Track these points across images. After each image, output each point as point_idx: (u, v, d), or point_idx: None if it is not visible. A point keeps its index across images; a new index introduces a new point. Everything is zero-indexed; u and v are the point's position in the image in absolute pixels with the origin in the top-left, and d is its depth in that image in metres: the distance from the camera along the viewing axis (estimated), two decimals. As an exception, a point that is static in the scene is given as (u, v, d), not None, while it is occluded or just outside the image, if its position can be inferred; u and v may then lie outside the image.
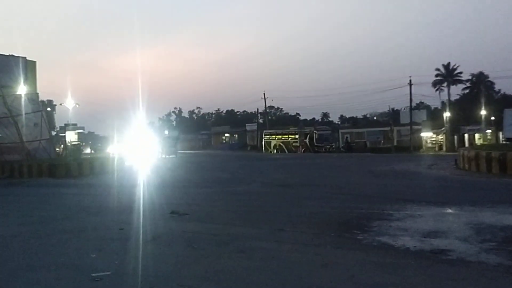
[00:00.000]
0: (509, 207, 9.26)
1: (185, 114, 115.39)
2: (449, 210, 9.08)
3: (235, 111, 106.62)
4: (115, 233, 7.30)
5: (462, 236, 6.64)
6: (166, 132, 68.74)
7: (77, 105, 46.85)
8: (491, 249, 5.81)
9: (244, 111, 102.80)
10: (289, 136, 54.20)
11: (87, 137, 64.89)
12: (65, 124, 48.52)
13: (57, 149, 37.25)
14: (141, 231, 7.40)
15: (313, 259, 5.48)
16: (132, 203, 10.93)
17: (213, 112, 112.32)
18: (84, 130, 66.96)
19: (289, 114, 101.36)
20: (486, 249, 5.84)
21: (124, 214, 9.24)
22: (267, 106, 74.81)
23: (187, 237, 6.93)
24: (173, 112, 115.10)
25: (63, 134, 45.46)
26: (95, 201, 11.94)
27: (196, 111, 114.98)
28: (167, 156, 42.38)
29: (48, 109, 41.33)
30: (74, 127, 52.73)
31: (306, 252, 5.78)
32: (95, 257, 5.79)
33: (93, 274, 4.99)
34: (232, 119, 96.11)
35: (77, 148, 37.28)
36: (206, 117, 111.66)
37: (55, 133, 44.65)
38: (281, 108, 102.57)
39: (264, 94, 69.99)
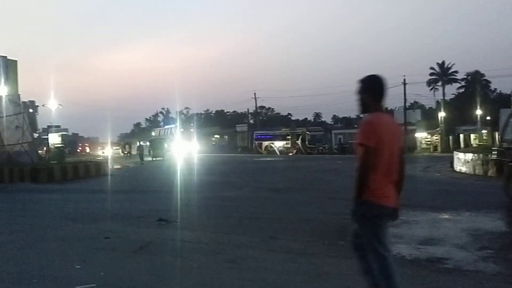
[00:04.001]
0: (506, 212, 9.34)
1: (173, 114, 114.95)
2: (445, 216, 9.13)
3: (225, 111, 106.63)
4: (101, 242, 7.23)
5: (459, 243, 6.68)
6: (153, 133, 68.53)
7: (60, 106, 46.57)
8: (489, 257, 5.84)
9: (234, 111, 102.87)
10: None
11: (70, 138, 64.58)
12: (48, 126, 48.17)
13: (39, 152, 36.91)
14: (127, 240, 7.34)
15: (307, 269, 5.47)
16: (118, 210, 10.87)
17: (202, 112, 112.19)
18: (68, 132, 66.55)
19: (281, 114, 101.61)
20: (484, 257, 5.87)
21: (110, 221, 9.17)
22: (258, 106, 74.92)
23: (175, 246, 6.89)
24: (161, 112, 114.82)
25: (46, 137, 45.08)
26: (79, 208, 11.84)
27: (184, 111, 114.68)
28: (154, 159, 42.20)
29: (30, 110, 40.91)
30: (58, 129, 52.39)
31: (300, 261, 5.77)
32: (80, 268, 5.73)
33: (77, 287, 4.93)
34: (222, 120, 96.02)
35: (60, 151, 37.00)
36: (195, 117, 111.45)
37: (37, 135, 44.24)
38: (273, 108, 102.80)
39: (254, 94, 70.08)
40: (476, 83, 68.10)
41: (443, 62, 70.80)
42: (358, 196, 3.45)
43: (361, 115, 3.70)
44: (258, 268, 5.58)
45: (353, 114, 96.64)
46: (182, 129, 54.17)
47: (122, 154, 58.04)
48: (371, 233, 3.52)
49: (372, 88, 3.59)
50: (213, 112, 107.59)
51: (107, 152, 39.23)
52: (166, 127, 63.40)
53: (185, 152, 43.82)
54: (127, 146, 60.50)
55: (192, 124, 61.10)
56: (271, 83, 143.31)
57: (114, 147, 62.00)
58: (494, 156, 12.68)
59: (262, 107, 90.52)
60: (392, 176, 3.54)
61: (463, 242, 6.77)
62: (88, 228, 8.60)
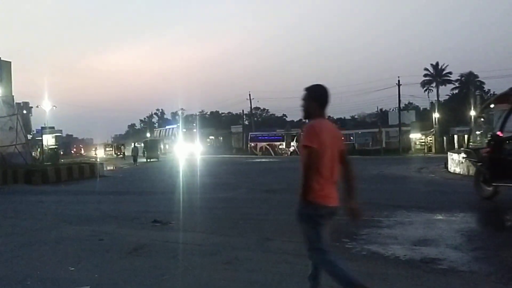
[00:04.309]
0: (500, 213, 9.38)
1: (168, 115, 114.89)
2: (440, 217, 9.15)
3: (220, 112, 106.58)
4: (95, 244, 7.21)
5: (453, 244, 6.70)
6: (148, 134, 68.33)
7: (54, 107, 46.36)
8: (483, 258, 5.86)
9: (229, 112, 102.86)
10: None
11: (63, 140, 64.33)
12: (41, 127, 47.96)
13: (33, 153, 36.78)
14: (122, 242, 7.32)
15: (302, 271, 5.44)
16: (112, 212, 10.84)
17: (197, 113, 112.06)
18: (62, 133, 66.34)
19: (276, 115, 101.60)
20: (478, 257, 5.89)
21: (104, 223, 9.15)
22: (253, 107, 74.99)
23: (170, 247, 6.88)
24: (155, 113, 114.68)
25: (40, 138, 44.91)
26: (73, 210, 11.80)
27: (179, 112, 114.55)
28: (149, 160, 42.14)
29: (24, 111, 40.87)
30: (52, 130, 52.17)
31: (295, 263, 5.76)
32: (74, 270, 5.71)
33: (71, 290, 4.91)
34: (217, 121, 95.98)
35: (54, 153, 36.89)
36: (190, 118, 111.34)
37: (31, 137, 44.10)
38: (267, 109, 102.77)
39: (249, 94, 70.13)
40: (470, 84, 68.47)
41: (437, 63, 71.19)
42: (303, 197, 3.64)
43: (305, 121, 3.94)
44: (254, 270, 5.57)
45: (348, 115, 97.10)
46: (184, 130, 53.67)
47: (115, 155, 57.82)
48: (315, 233, 3.70)
49: (317, 97, 3.84)
50: (208, 113, 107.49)
51: (100, 153, 39.05)
52: (167, 127, 62.95)
53: (187, 153, 43.60)
54: (122, 147, 60.31)
55: (194, 125, 60.46)
56: (266, 84, 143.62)
57: (107, 149, 61.85)
58: (463, 157, 12.91)
59: (257, 108, 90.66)
60: (334, 177, 3.77)
61: (457, 242, 6.79)
62: (82, 229, 8.57)
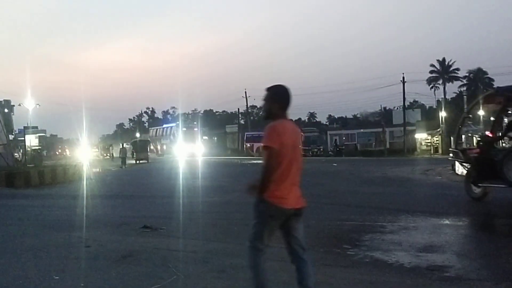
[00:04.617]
0: (509, 218, 9.42)
1: (159, 114, 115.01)
2: (446, 221, 9.19)
3: (214, 111, 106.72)
4: (81, 251, 7.20)
5: (461, 250, 6.74)
6: (138, 134, 68.10)
7: (37, 105, 46.26)
8: (492, 265, 5.89)
9: (223, 111, 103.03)
10: None
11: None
12: (24, 127, 47.77)
13: (15, 155, 36.66)
14: (109, 249, 7.31)
15: (300, 279, 5.47)
16: (99, 217, 10.82)
17: (190, 112, 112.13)
18: (46, 133, 66.14)
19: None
20: (487, 264, 5.93)
21: (91, 229, 9.12)
22: (249, 106, 75.02)
23: (161, 255, 6.87)
24: (145, 112, 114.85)
25: (23, 138, 44.76)
26: (58, 215, 11.78)
27: (170, 111, 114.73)
28: (138, 162, 42.09)
29: (6, 110, 40.61)
30: (35, 130, 52.02)
31: (292, 271, 5.74)
32: (58, 279, 5.69)
33: (56, 300, 4.91)
34: (211, 120, 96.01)
35: (38, 154, 36.79)
36: (182, 117, 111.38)
37: (13, 137, 43.91)
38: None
39: (245, 92, 70.21)
40: (478, 81, 68.70)
41: (444, 59, 71.49)
42: (260, 194, 3.93)
43: (267, 121, 4.13)
44: (250, 278, 5.57)
45: (349, 114, 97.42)
46: (185, 128, 52.36)
47: (101, 157, 57.50)
48: (259, 228, 4.04)
49: (279, 98, 4.08)
50: (201, 112, 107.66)
51: (85, 155, 38.79)
52: (164, 126, 61.63)
53: (187, 154, 43.28)
54: (110, 147, 60.07)
55: (195, 123, 59.46)
56: (263, 81, 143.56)
57: (93, 150, 61.52)
58: (450, 157, 13.59)
59: (253, 107, 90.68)
60: (293, 178, 4.01)
61: (465, 249, 6.83)
62: (67, 236, 8.55)
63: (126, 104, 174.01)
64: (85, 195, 15.58)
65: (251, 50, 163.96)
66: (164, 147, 56.37)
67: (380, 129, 56.13)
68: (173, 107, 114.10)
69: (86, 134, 44.42)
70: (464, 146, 12.08)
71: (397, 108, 71.25)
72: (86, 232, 8.77)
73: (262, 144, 3.93)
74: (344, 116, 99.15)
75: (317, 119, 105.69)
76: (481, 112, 12.22)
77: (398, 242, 7.30)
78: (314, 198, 13.44)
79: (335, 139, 60.23)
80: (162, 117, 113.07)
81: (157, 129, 64.99)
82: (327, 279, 5.48)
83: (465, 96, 56.90)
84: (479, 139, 11.91)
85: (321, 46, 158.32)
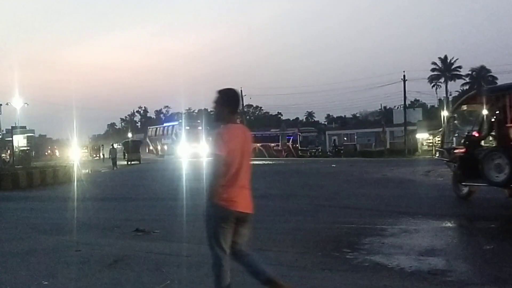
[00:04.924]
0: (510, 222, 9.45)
1: (151, 114, 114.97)
2: (449, 224, 9.22)
3: (209, 110, 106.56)
4: (71, 255, 7.19)
5: (463, 254, 6.75)
6: (130, 135, 67.80)
7: (26, 104, 46.06)
8: (496, 269, 5.90)
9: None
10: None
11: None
12: (12, 127, 47.68)
13: (3, 155, 36.60)
14: (101, 253, 7.30)
15: (298, 284, 5.48)
16: (90, 220, 10.80)
17: (184, 111, 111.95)
18: (34, 133, 65.97)
19: (270, 113, 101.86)
20: (490, 269, 5.93)
21: (81, 232, 9.12)
22: (244, 105, 74.90)
23: (154, 259, 6.87)
24: (137, 111, 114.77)
25: (10, 138, 44.67)
26: (47, 218, 11.77)
27: (163, 110, 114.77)
28: (130, 163, 42.05)
29: (-8, 109, 40.57)
30: (23, 130, 51.88)
31: (290, 275, 5.77)
32: (48, 284, 5.70)
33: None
34: (205, 120, 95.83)
35: (26, 155, 36.70)
36: (176, 117, 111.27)
37: (0, 137, 43.85)
38: (261, 107, 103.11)
39: (241, 91, 69.89)
40: (481, 80, 68.93)
41: (446, 57, 71.70)
42: (209, 199, 4.12)
43: (216, 124, 4.38)
44: (245, 283, 5.57)
45: (349, 114, 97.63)
46: (188, 127, 50.49)
47: (91, 157, 57.27)
48: (213, 233, 4.18)
49: (229, 101, 4.31)
50: (196, 111, 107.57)
51: (75, 155, 38.64)
52: (165, 125, 59.25)
53: (191, 154, 42.63)
54: (101, 148, 59.86)
55: (199, 121, 57.64)
56: (259, 79, 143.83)
57: (83, 150, 61.24)
58: (437, 157, 14.35)
59: (249, 106, 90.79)
60: (243, 182, 4.23)
61: (468, 252, 6.85)
62: (57, 239, 8.56)
63: (117, 104, 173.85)
64: (75, 198, 15.56)
65: (248, 49, 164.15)
66: (165, 147, 54.55)
67: (380, 129, 56.09)
68: (167, 106, 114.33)
69: (76, 134, 44.27)
70: (451, 145, 12.54)
71: (398, 107, 71.29)
72: (77, 236, 8.77)
73: (210, 151, 4.23)
74: (343, 115, 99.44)
75: (316, 119, 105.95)
76: (466, 113, 12.80)
77: (398, 246, 7.32)
78: (312, 200, 13.49)
79: (334, 139, 60.29)
80: (155, 117, 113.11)
81: (156, 128, 62.79)
82: (326, 284, 5.50)
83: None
84: (465, 139, 12.37)
85: (320, 45, 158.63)
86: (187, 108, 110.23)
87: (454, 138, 12.87)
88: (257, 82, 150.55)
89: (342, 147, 55.66)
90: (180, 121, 54.50)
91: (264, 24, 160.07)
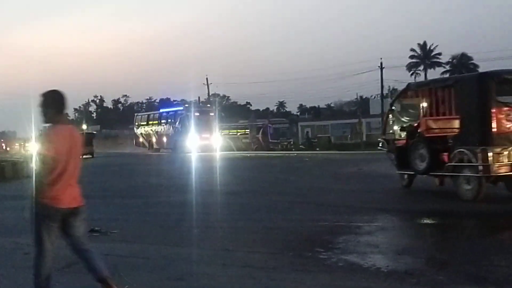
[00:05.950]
0: (498, 218, 9.68)
1: (108, 103, 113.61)
2: (428, 221, 9.39)
3: (172, 100, 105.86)
4: (19, 259, 7.10)
5: (443, 253, 6.88)
6: (84, 126, 66.79)
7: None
8: (476, 269, 6.03)
9: (182, 99, 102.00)
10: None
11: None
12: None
13: None
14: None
15: (267, 286, 5.53)
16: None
17: (144, 101, 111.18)
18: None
19: (238, 103, 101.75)
20: (471, 268, 6.06)
21: (30, 233, 8.94)
22: (210, 94, 74.81)
23: (112, 262, 6.78)
24: (93, 101, 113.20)
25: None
26: (-7, 218, 11.54)
27: (122, 100, 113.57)
28: (81, 156, 41.52)
29: None
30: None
31: (259, 277, 5.82)
32: (-7, 291, 5.61)
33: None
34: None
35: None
36: (135, 107, 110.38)
37: None
38: (228, 96, 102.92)
39: (206, 79, 70.07)
40: (462, 67, 70.15)
41: (425, 43, 72.80)
42: (35, 197, 4.55)
43: (44, 125, 4.82)
44: (211, 286, 5.60)
45: (322, 104, 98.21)
46: (198, 114, 43.67)
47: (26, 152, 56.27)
48: (38, 231, 4.63)
49: (54, 103, 4.78)
50: (157, 100, 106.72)
51: (25, 149, 38.06)
52: (163, 111, 50.47)
53: (200, 147, 39.19)
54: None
55: (210, 106, 50.27)
56: (226, 67, 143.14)
57: (28, 144, 60.06)
58: (379, 147, 15.92)
59: (215, 95, 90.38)
60: (69, 180, 4.69)
61: (448, 251, 6.98)
62: (3, 242, 8.42)
63: (70, 92, 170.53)
64: (23, 195, 15.28)
65: (212, 32, 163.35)
66: (164, 139, 46.90)
67: (356, 120, 56.56)
68: (125, 95, 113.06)
69: (26, 127, 43.48)
70: (392, 136, 13.93)
71: (375, 97, 72.40)
72: (24, 237, 8.58)
73: (37, 151, 4.69)
74: (316, 105, 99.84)
75: (287, 109, 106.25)
76: (406, 105, 14.12)
77: (375, 244, 7.42)
78: (284, 196, 13.56)
79: (307, 131, 60.68)
80: (112, 107, 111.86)
81: (148, 115, 53.87)
82: (297, 285, 5.55)
83: None
84: (406, 130, 13.56)
85: (292, 30, 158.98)
86: (148, 97, 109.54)
87: (395, 129, 14.05)
88: (225, 69, 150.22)
89: (316, 140, 56.02)
90: (186, 105, 49.33)
91: (232, 8, 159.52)
